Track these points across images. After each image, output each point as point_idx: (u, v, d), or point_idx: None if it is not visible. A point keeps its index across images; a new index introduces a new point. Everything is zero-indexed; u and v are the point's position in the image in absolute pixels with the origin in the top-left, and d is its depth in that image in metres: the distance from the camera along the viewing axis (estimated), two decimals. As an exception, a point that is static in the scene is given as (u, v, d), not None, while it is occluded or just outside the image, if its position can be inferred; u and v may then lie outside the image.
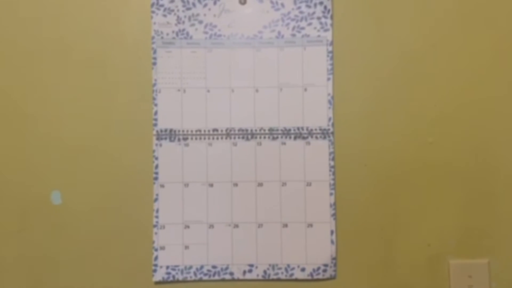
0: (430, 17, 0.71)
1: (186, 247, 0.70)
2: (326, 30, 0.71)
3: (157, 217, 0.70)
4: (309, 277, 0.69)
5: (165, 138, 0.70)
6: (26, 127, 0.71)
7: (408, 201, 0.70)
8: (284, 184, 0.70)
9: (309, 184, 0.70)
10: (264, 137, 0.70)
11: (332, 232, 0.69)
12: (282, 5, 0.71)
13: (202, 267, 0.69)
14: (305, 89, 0.70)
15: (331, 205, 0.70)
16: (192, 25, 0.71)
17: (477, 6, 0.71)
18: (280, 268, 0.69)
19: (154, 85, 0.70)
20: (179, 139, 0.70)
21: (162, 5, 0.70)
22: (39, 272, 0.70)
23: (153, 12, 0.71)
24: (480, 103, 0.71)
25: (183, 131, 0.70)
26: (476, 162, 0.70)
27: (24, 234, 0.70)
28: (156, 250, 0.69)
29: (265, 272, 0.69)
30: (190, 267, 0.69)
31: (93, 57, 0.71)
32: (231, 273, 0.69)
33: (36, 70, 0.71)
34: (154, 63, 0.71)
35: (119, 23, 0.71)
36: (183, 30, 0.71)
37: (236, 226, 0.70)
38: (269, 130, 0.70)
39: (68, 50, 0.71)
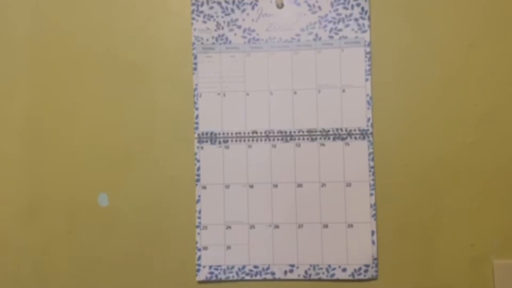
0: (468, 16, 0.71)
1: (228, 247, 0.71)
2: (363, 31, 0.71)
3: (199, 218, 0.71)
4: (351, 278, 0.69)
5: (206, 141, 0.72)
6: (75, 132, 0.74)
7: (449, 201, 0.70)
8: (323, 185, 0.71)
9: (348, 184, 0.70)
10: (303, 139, 0.71)
11: (373, 232, 0.69)
12: (319, 7, 0.71)
13: (244, 267, 0.71)
14: (343, 90, 0.71)
15: (371, 206, 0.70)
16: (231, 30, 0.72)
17: (517, 3, 0.70)
18: (321, 268, 0.70)
19: (195, 89, 0.72)
20: (219, 142, 0.72)
21: (202, 12, 0.72)
22: (88, 271, 0.73)
23: (193, 18, 0.73)
24: (522, 101, 0.70)
25: (223, 133, 0.72)
26: (519, 160, 0.69)
27: (73, 235, 0.73)
28: (199, 250, 0.71)
29: (306, 272, 0.70)
30: (232, 267, 0.71)
31: (137, 64, 0.73)
32: (273, 273, 0.70)
33: (84, 77, 0.74)
34: (195, 68, 0.72)
35: (161, 30, 0.73)
36: (223, 35, 0.72)
37: (277, 226, 0.71)
38: (307, 131, 0.71)
39: (114, 58, 0.74)
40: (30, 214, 0.73)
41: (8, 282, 0.73)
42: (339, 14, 0.71)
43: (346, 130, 0.71)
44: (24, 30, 0.75)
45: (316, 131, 0.71)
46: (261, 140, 0.72)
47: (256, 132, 0.72)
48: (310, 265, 0.70)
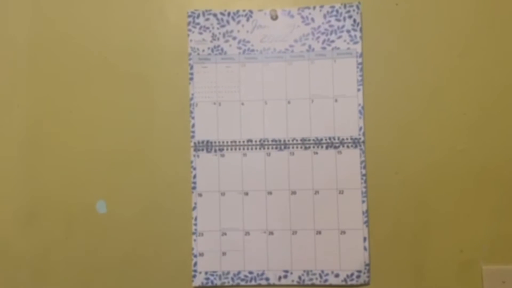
0: (457, 27, 0.72)
1: (224, 254, 0.72)
2: (355, 43, 0.73)
3: (195, 224, 0.73)
4: (343, 283, 0.71)
5: (202, 149, 0.74)
6: (72, 139, 0.75)
7: (439, 207, 0.71)
8: (316, 192, 0.72)
9: (341, 192, 0.72)
10: (297, 147, 0.73)
11: (365, 239, 0.71)
12: (313, 19, 0.73)
13: (239, 272, 0.72)
14: (336, 100, 0.73)
15: (363, 213, 0.71)
16: (227, 41, 0.74)
17: (504, 14, 0.72)
18: (314, 274, 0.71)
19: (191, 99, 0.74)
20: (215, 150, 0.74)
21: (198, 23, 0.74)
22: (85, 276, 0.74)
23: (189, 30, 0.74)
24: (509, 109, 0.71)
25: (219, 142, 0.74)
26: (507, 168, 0.71)
27: (71, 242, 0.74)
28: (195, 256, 0.73)
29: (300, 278, 0.71)
30: (228, 273, 0.72)
31: (135, 73, 0.75)
32: (267, 279, 0.72)
33: (82, 86, 0.75)
34: (191, 78, 0.74)
35: (158, 41, 0.75)
36: (218, 46, 0.74)
37: (271, 233, 0.72)
38: (301, 140, 0.73)
39: (112, 68, 0.75)
40: (27, 219, 0.75)
41: (6, 287, 0.74)
42: (331, 26, 0.73)
43: (338, 139, 0.72)
44: (22, 38, 0.76)
45: (309, 140, 0.73)
46: (256, 148, 0.73)
47: (251, 141, 0.73)
48: (304, 271, 0.72)
